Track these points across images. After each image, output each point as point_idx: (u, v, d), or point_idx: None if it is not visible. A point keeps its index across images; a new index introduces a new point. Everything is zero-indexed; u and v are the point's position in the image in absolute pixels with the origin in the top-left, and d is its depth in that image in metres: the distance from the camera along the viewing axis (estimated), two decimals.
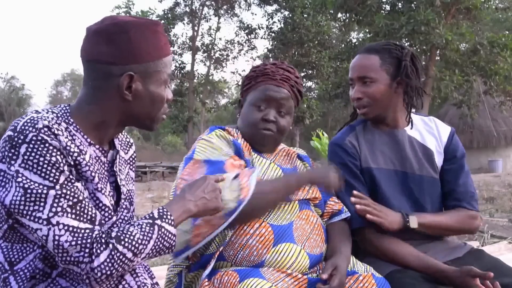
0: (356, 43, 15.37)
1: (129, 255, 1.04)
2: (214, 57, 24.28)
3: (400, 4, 12.61)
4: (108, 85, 1.10)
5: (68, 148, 1.04)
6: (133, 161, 1.36)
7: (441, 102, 15.77)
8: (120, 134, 1.32)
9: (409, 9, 11.73)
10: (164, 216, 1.12)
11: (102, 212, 1.12)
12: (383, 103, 1.67)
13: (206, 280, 1.36)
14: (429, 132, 1.77)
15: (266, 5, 21.95)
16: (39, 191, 0.99)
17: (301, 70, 21.10)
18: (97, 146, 1.16)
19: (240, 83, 21.19)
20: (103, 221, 1.11)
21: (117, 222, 1.20)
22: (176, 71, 22.11)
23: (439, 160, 1.74)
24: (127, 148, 1.34)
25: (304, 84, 23.16)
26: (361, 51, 1.73)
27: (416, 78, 1.68)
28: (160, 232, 1.09)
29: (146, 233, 1.07)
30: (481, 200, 6.77)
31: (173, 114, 22.14)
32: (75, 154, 1.06)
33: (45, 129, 1.01)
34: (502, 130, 15.98)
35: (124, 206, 1.24)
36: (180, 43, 22.89)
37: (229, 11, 23.85)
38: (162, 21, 20.90)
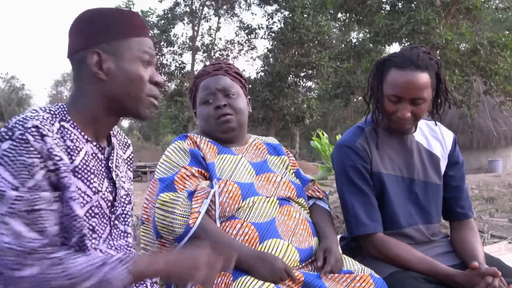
0: (356, 43, 15.33)
1: (60, 281, 0.99)
2: (214, 57, 24.23)
3: (400, 4, 12.58)
4: (83, 71, 1.13)
5: (50, 151, 1.03)
6: (131, 161, 1.36)
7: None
8: (118, 134, 1.32)
9: (409, 9, 11.70)
10: (124, 261, 1.03)
11: (73, 222, 1.08)
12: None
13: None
14: (434, 137, 1.77)
15: (266, 5, 21.92)
16: (3, 188, 0.99)
17: (301, 70, 21.08)
18: (94, 143, 1.16)
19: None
20: (57, 237, 1.05)
21: (119, 217, 1.22)
22: (176, 71, 22.09)
23: (443, 166, 1.74)
24: (125, 148, 1.35)
25: (304, 84, 23.17)
26: (409, 67, 1.53)
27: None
28: (104, 276, 1.01)
29: (89, 270, 1.00)
30: (481, 200, 6.74)
31: (173, 114, 22.09)
32: (56, 158, 1.04)
33: (33, 129, 1.01)
34: (502, 130, 15.96)
35: (122, 200, 1.25)
36: (180, 43, 22.83)
37: (229, 11, 23.81)
38: (162, 21, 20.92)
